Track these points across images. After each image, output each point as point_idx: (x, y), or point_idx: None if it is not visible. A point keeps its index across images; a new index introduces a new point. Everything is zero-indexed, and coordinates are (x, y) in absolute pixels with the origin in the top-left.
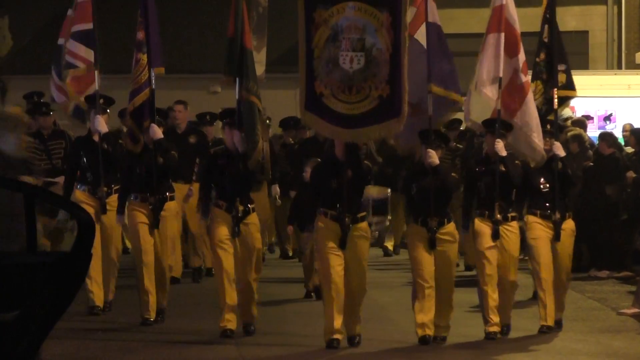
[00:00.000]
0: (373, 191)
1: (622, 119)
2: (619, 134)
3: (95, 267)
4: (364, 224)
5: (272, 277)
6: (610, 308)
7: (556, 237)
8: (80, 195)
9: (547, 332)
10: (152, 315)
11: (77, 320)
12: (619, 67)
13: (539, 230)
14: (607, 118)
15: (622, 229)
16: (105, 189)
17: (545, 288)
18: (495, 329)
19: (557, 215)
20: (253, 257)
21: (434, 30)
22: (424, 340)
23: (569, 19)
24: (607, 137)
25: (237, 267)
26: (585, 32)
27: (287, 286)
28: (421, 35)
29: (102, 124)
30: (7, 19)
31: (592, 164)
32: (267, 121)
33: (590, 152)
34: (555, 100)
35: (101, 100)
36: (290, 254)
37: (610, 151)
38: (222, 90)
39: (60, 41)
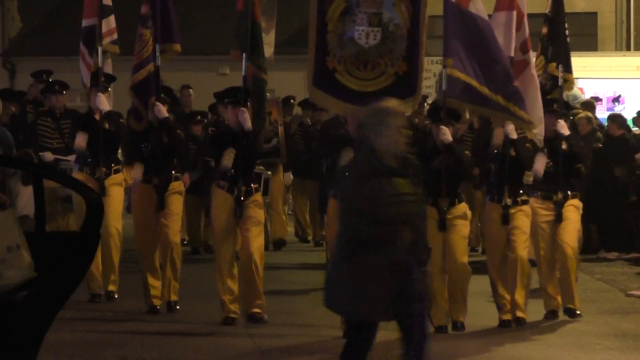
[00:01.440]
0: None
1: (630, 100)
2: (628, 116)
3: (107, 254)
4: None
5: (292, 262)
6: (619, 289)
7: (557, 218)
8: (78, 176)
9: (552, 318)
10: (171, 296)
11: (82, 309)
12: (628, 49)
13: (539, 215)
14: (616, 99)
15: (631, 210)
16: (104, 169)
17: (544, 272)
18: (509, 316)
19: (559, 196)
20: (256, 229)
21: (453, 9)
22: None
23: (577, 1)
24: (616, 119)
25: (240, 249)
26: (594, 14)
27: (306, 273)
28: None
29: (103, 102)
30: (16, 0)
31: (601, 145)
32: (291, 100)
33: (599, 134)
34: (560, 76)
35: (102, 78)
36: (310, 238)
37: (620, 133)
38: (231, 72)
39: (86, 22)
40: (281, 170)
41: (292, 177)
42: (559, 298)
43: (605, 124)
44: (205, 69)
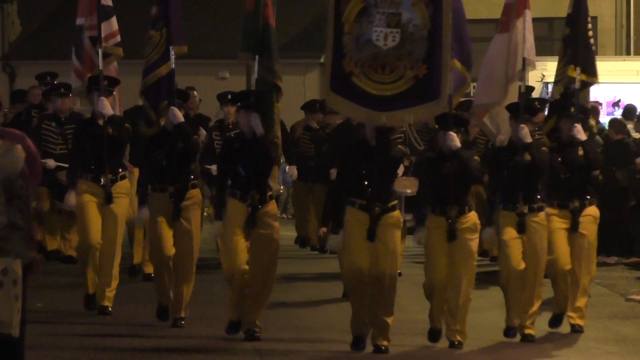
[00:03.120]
0: (406, 184)
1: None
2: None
3: (94, 264)
4: (395, 213)
5: (303, 273)
6: (619, 294)
7: (573, 227)
8: (83, 183)
9: (579, 331)
10: (181, 313)
11: (80, 323)
12: (628, 53)
13: (555, 222)
14: (616, 104)
15: (631, 214)
16: (110, 175)
17: (559, 282)
18: (515, 322)
19: (576, 204)
20: (270, 250)
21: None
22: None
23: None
24: (616, 123)
25: (251, 262)
26: (594, 18)
27: (318, 285)
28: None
29: (107, 107)
30: (16, 4)
31: (600, 150)
32: (317, 105)
33: (599, 138)
34: (578, 78)
35: (105, 82)
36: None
37: (620, 137)
38: (230, 75)
39: (79, 21)
40: (275, 171)
41: (296, 171)
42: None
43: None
44: (204, 72)
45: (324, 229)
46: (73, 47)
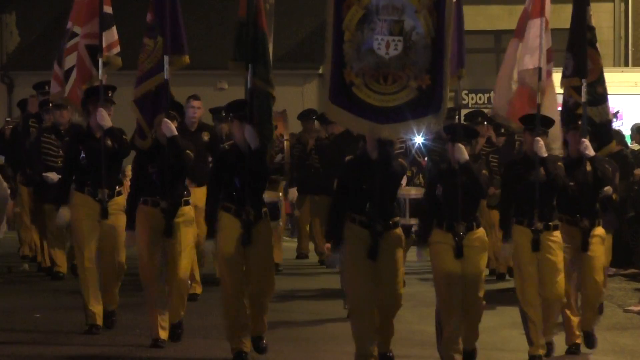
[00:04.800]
0: (410, 189)
1: (628, 116)
2: (625, 132)
3: (93, 282)
4: (397, 230)
5: (308, 289)
6: (617, 305)
7: (583, 247)
8: (78, 198)
9: (576, 353)
10: (164, 335)
11: (75, 344)
12: (626, 64)
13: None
14: (614, 115)
15: (630, 226)
16: (107, 190)
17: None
18: (540, 351)
19: (585, 223)
20: (265, 270)
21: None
22: None
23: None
24: (614, 135)
25: (247, 281)
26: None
27: (321, 303)
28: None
29: (105, 119)
30: (14, 15)
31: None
32: (313, 116)
33: None
34: (584, 90)
35: (110, 93)
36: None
37: (618, 148)
38: (229, 86)
39: (69, 25)
40: (282, 189)
41: (296, 193)
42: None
43: None
44: (203, 83)
45: (328, 245)
46: (57, 51)
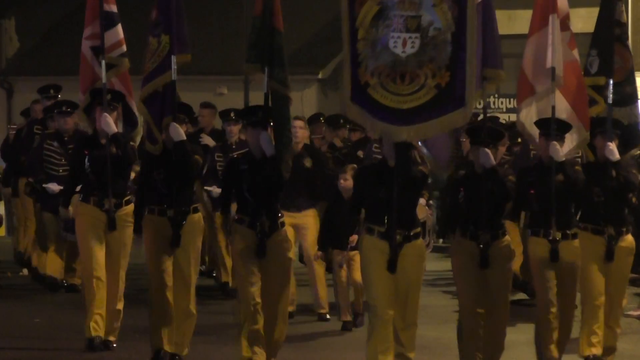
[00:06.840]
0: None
1: None
2: None
3: (101, 299)
4: (418, 241)
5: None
6: None
7: (608, 256)
8: (83, 207)
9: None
10: (170, 347)
11: (77, 339)
12: None
13: (586, 250)
14: None
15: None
16: (114, 200)
17: (589, 316)
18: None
19: (611, 231)
20: (283, 280)
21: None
22: None
23: (575, 21)
24: None
25: (264, 293)
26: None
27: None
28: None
29: (110, 124)
30: (14, 20)
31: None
32: (320, 119)
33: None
34: (610, 90)
35: (109, 96)
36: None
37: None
38: (228, 92)
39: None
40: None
41: None
42: (598, 346)
43: None
44: (202, 89)
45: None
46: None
